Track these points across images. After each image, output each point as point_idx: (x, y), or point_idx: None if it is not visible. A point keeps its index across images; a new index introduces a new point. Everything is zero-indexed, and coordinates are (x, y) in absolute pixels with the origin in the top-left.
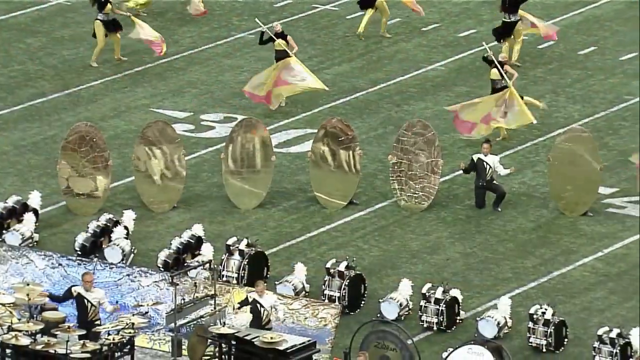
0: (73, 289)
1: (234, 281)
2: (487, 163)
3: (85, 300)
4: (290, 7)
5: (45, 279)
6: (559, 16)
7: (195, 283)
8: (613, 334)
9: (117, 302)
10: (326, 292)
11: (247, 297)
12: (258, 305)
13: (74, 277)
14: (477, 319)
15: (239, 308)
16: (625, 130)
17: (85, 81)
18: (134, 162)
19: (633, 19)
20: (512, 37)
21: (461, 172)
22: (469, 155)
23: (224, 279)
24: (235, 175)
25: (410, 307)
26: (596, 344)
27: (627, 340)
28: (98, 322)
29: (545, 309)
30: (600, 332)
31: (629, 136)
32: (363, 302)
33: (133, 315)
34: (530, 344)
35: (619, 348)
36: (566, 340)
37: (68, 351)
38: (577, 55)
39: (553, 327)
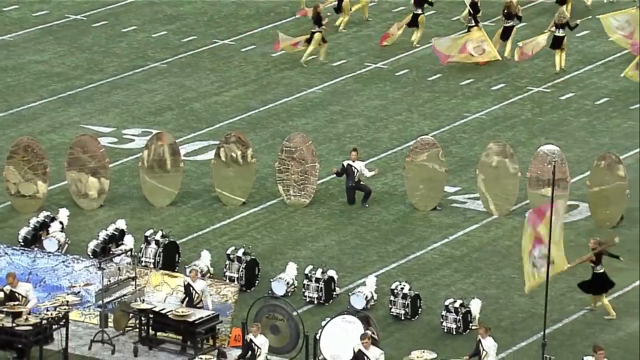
0: (5, 288)
1: (151, 266)
2: (355, 167)
3: (16, 294)
4: (195, 41)
5: None
6: (415, 49)
7: (119, 268)
8: (457, 304)
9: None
10: (227, 273)
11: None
12: (191, 289)
13: (17, 264)
14: (349, 294)
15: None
16: (465, 140)
17: (26, 102)
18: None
19: None
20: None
21: (334, 175)
22: (340, 162)
23: (143, 264)
24: (150, 178)
25: (296, 285)
26: (444, 313)
27: (468, 309)
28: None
29: (404, 285)
30: (446, 303)
31: (468, 145)
32: (257, 282)
33: (68, 294)
34: (391, 314)
35: (461, 315)
36: (420, 310)
37: (14, 324)
38: (427, 80)
39: (409, 300)
